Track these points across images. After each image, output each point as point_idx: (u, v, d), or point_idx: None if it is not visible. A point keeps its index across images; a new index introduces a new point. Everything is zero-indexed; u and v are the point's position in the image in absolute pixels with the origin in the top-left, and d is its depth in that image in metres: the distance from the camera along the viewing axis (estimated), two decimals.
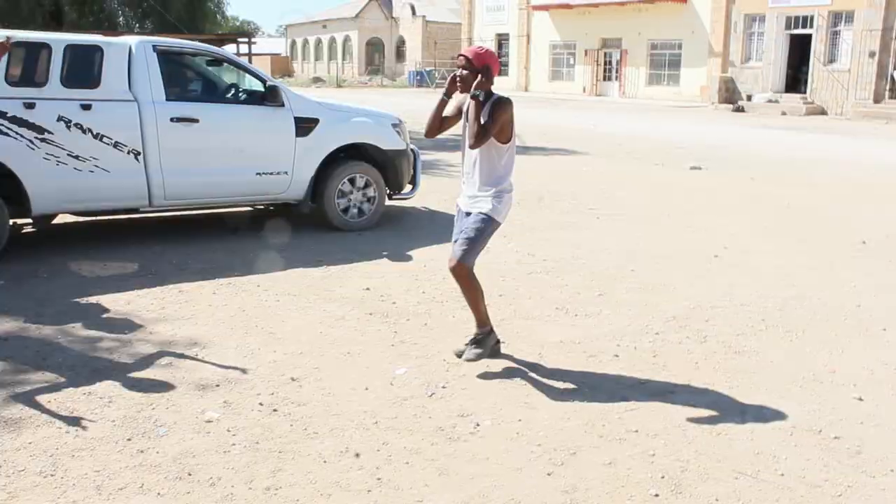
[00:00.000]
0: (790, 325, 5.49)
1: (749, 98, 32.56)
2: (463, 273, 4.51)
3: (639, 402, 4.22)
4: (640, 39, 38.33)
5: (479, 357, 4.62)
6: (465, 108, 4.50)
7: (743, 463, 3.59)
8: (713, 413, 4.11)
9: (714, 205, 10.23)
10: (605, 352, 4.95)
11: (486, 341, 4.69)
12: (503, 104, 4.34)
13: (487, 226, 4.47)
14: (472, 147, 4.37)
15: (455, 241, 4.58)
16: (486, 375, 4.55)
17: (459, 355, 4.71)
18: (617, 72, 40.29)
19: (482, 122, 4.30)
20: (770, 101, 31.44)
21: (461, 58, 4.36)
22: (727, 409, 4.15)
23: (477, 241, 4.46)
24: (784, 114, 29.86)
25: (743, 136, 20.67)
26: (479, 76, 4.31)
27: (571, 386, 4.42)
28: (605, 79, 41.12)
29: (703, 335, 5.27)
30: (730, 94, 33.56)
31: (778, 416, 4.08)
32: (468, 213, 4.54)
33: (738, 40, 33.77)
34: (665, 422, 4.00)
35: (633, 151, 16.44)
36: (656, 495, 3.33)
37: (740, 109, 31.42)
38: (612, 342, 5.12)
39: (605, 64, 41.05)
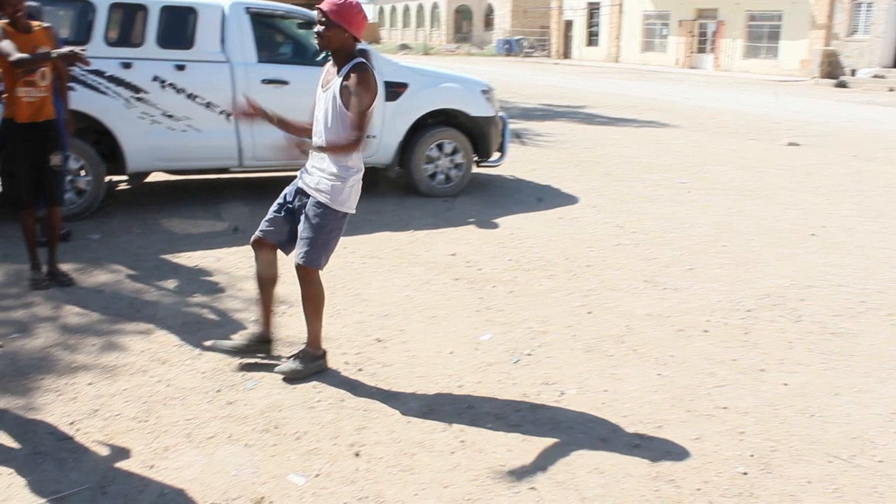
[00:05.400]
0: (892, 308, 5.25)
1: (853, 73, 31.22)
2: (309, 277, 3.93)
3: (728, 379, 4.11)
4: (738, 10, 37.06)
5: (294, 374, 3.99)
6: (322, 75, 3.91)
7: (837, 446, 3.47)
8: (806, 394, 3.97)
9: (812, 182, 9.85)
10: (695, 326, 4.84)
11: (308, 361, 4.04)
12: (365, 73, 3.64)
13: (328, 220, 3.81)
14: (353, 143, 3.69)
15: (267, 219, 4.01)
16: (571, 345, 4.50)
17: (216, 347, 4.18)
18: (712, 43, 39.13)
19: (357, 109, 3.65)
20: (876, 76, 30.05)
21: (318, 11, 3.70)
22: (822, 391, 4.00)
23: (317, 239, 3.83)
24: (891, 90, 28.48)
25: (845, 112, 19.83)
26: (337, 32, 3.66)
27: (659, 359, 4.34)
28: (699, 51, 39.99)
29: (798, 314, 5.10)
30: (832, 69, 32.24)
31: (876, 400, 3.92)
32: (304, 194, 3.92)
33: (843, 11, 32.34)
34: (755, 400, 3.89)
35: (727, 125, 15.96)
36: (745, 473, 3.24)
37: (843, 85, 30.14)
38: (701, 317, 5.00)
39: (700, 35, 39.90)
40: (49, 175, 5.17)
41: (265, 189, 8.30)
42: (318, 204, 3.81)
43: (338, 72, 3.74)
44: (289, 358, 4.08)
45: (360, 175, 3.91)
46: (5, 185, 5.28)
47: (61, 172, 5.35)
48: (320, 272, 3.98)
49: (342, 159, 3.78)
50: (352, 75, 3.65)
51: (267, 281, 4.10)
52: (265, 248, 4.03)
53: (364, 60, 3.69)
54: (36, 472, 3.11)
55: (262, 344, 4.18)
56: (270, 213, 4.02)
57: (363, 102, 3.64)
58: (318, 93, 3.87)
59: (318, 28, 3.69)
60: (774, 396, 3.94)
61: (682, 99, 22.21)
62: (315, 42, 3.80)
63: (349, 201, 3.86)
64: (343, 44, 3.70)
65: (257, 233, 4.03)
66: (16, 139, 5.05)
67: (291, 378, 3.97)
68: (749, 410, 3.78)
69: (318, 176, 3.84)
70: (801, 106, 21.08)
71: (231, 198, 7.83)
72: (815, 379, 4.15)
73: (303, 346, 4.10)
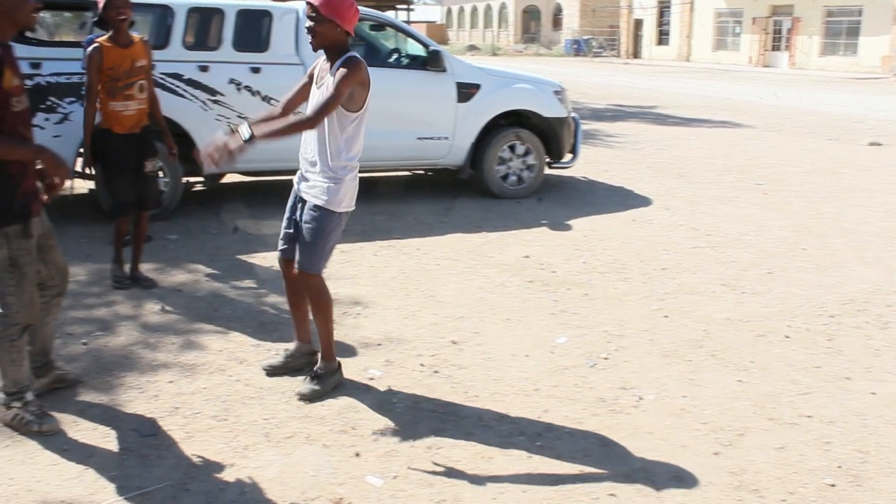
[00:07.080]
0: None
1: None
2: (312, 283, 3.81)
3: (812, 387, 3.99)
4: (815, 5, 36.10)
5: (314, 395, 3.80)
6: (316, 70, 3.77)
7: None
8: None
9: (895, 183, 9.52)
10: (776, 332, 4.71)
11: (326, 378, 3.88)
12: (355, 64, 3.52)
13: (326, 222, 3.71)
14: (310, 125, 3.56)
15: (282, 237, 3.97)
16: (648, 350, 4.42)
17: (271, 372, 4.07)
18: (787, 41, 38.19)
19: (330, 91, 3.50)
20: None
21: (307, 6, 3.54)
22: None
23: (316, 243, 3.72)
24: None
25: None
26: (329, 27, 3.54)
27: (739, 365, 4.23)
28: (773, 48, 39.07)
29: (885, 321, 4.92)
30: None
31: None
32: (303, 200, 3.81)
33: None
34: (842, 409, 3.76)
35: (804, 125, 15.55)
36: (833, 485, 3.13)
37: None
38: (782, 322, 4.86)
39: (774, 32, 38.97)
40: (144, 180, 5.28)
41: None
42: (315, 207, 3.72)
43: (330, 68, 3.61)
44: (306, 378, 3.90)
45: (356, 172, 3.81)
46: (109, 194, 5.42)
47: (155, 177, 5.48)
48: (323, 277, 3.87)
49: (340, 160, 3.70)
50: (342, 68, 3.53)
51: (296, 296, 4.03)
52: (289, 264, 3.95)
53: (356, 55, 3.58)
54: (121, 467, 3.19)
55: (305, 357, 4.10)
56: (282, 230, 3.96)
57: (340, 88, 3.48)
58: (311, 89, 3.76)
59: (309, 24, 3.56)
60: (862, 405, 3.80)
61: (757, 98, 21.72)
62: (308, 39, 3.63)
63: (346, 200, 3.76)
64: (336, 39, 3.58)
65: (277, 252, 4.02)
66: (116, 149, 5.15)
67: (311, 399, 3.79)
68: (835, 419, 3.66)
69: (312, 179, 3.76)
70: (883, 104, 20.41)
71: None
72: None
73: (317, 364, 3.93)
